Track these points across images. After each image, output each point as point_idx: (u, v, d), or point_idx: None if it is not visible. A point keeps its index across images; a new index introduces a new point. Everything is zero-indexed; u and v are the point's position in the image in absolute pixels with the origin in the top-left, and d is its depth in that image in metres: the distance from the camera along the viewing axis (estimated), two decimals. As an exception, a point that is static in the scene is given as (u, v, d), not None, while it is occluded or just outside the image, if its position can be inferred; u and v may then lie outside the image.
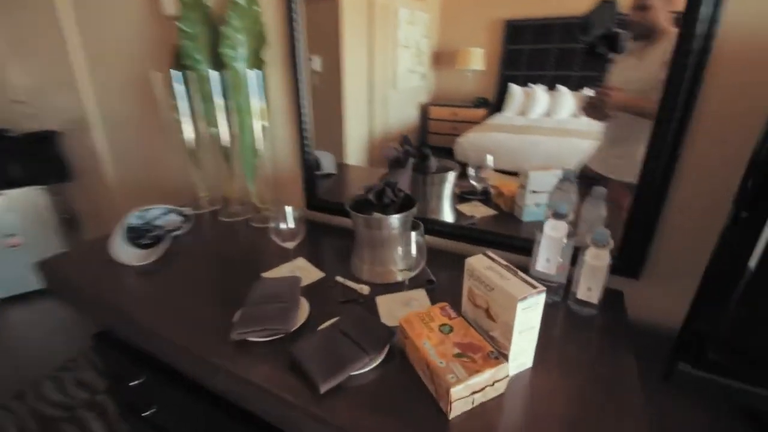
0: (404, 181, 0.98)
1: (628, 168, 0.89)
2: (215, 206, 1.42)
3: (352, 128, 1.31)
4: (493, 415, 0.63)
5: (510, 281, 0.67)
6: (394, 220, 0.91)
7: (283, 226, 0.94)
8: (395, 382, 0.69)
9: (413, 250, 0.78)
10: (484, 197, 1.23)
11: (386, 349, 0.73)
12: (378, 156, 1.34)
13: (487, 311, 0.71)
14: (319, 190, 1.32)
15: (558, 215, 0.82)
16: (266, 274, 1.01)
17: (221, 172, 1.38)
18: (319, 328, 0.79)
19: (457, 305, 0.78)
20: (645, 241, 0.89)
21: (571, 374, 0.70)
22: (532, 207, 1.11)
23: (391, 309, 0.87)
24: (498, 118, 1.20)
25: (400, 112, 1.30)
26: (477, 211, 1.23)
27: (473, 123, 1.22)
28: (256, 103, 1.23)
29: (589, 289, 0.81)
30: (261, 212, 1.34)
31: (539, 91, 1.12)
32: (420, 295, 0.91)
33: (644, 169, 0.84)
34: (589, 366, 0.72)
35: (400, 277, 0.97)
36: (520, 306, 0.63)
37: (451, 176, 1.18)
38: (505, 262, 0.72)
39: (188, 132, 1.35)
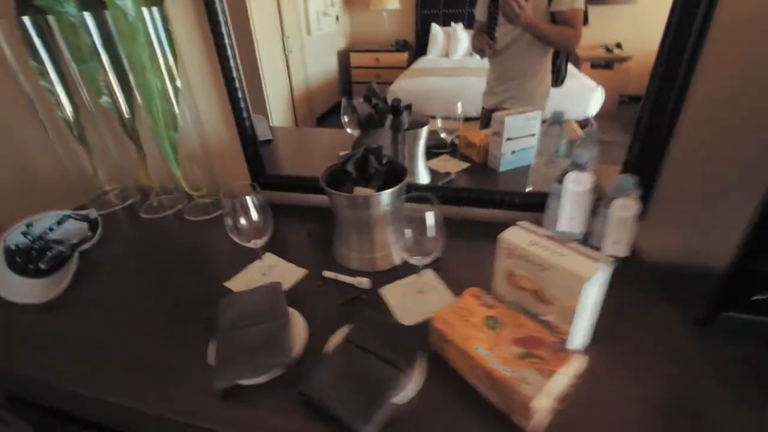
0: (385, 143, 0.80)
1: (518, 100, 0.96)
2: (129, 200, 1.10)
3: (271, 84, 1.11)
4: (570, 412, 0.54)
5: (567, 257, 0.55)
6: (387, 196, 0.73)
7: (243, 221, 0.72)
8: (442, 398, 0.56)
9: (430, 232, 0.62)
10: (452, 149, 1.11)
11: (420, 359, 0.59)
12: (305, 113, 1.21)
13: (536, 293, 0.59)
14: (265, 162, 1.07)
15: (579, 166, 0.71)
16: (230, 284, 0.79)
17: (129, 155, 1.05)
18: (328, 347, 0.62)
19: (470, 282, 0.66)
20: (651, 180, 0.83)
21: (623, 341, 0.63)
22: (509, 156, 1.02)
23: (403, 302, 0.72)
24: (423, 62, 1.13)
25: (319, 62, 1.20)
26: (449, 166, 1.12)
27: (397, 68, 1.14)
28: (159, 56, 0.91)
29: (616, 242, 0.74)
30: (195, 200, 1.07)
31: (459, 30, 1.07)
32: (429, 278, 0.77)
33: (655, 98, 0.75)
34: (637, 327, 0.66)
35: (398, 260, 0.82)
36: (588, 286, 0.53)
37: (424, 131, 1.01)
38: (546, 232, 0.61)
39: (67, 106, 0.99)
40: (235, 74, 0.91)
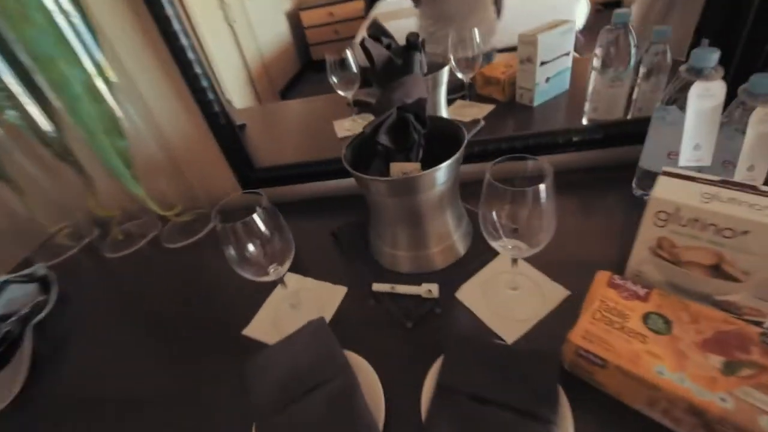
0: (422, 95, 0.57)
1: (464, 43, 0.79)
2: (86, 239, 0.86)
3: (220, 61, 0.92)
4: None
5: (774, 209, 0.36)
6: (444, 171, 0.52)
7: (252, 248, 0.50)
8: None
9: (544, 209, 0.42)
10: (467, 92, 0.90)
11: (562, 398, 0.41)
12: (265, 89, 1.04)
13: (714, 268, 0.40)
14: (252, 154, 0.82)
15: (702, 73, 0.51)
16: (252, 331, 0.58)
17: (68, 182, 0.79)
18: (425, 407, 0.43)
19: (573, 262, 0.52)
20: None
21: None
22: (543, 85, 0.83)
23: (493, 307, 0.53)
24: (384, 6, 1.01)
25: (269, 29, 1.06)
26: (472, 111, 0.92)
27: (356, 19, 1.04)
28: (72, 39, 0.65)
29: (751, 168, 0.55)
30: (172, 221, 0.83)
31: (411, -40, 0.91)
32: (522, 265, 0.57)
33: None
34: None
35: (462, 250, 0.62)
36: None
37: (445, 73, 0.79)
38: (713, 176, 0.41)
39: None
40: (184, 41, 0.65)
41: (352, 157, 0.57)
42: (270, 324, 0.58)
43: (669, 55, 0.69)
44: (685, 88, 0.51)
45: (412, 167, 0.56)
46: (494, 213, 0.45)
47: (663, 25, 0.67)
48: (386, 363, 0.48)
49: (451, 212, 0.59)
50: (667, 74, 0.70)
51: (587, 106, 0.78)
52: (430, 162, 0.56)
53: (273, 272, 0.52)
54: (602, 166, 0.75)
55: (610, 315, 0.41)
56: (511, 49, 0.84)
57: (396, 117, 0.53)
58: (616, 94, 0.74)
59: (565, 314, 0.50)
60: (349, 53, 0.86)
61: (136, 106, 0.72)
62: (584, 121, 0.80)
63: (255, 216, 0.47)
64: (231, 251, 0.49)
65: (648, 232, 0.42)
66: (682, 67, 0.52)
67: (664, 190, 0.40)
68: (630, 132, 0.71)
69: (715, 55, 0.49)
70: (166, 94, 0.74)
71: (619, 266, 0.51)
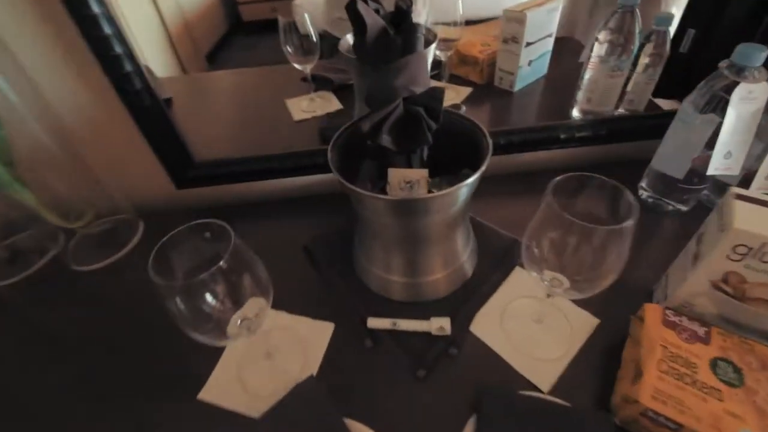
0: (422, 81, 0.45)
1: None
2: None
3: (132, 17, 0.72)
4: None
5: None
6: (467, 188, 0.41)
7: (212, 298, 0.35)
8: None
9: (621, 253, 0.32)
10: (441, 71, 0.81)
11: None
12: (189, 54, 0.84)
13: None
14: (189, 143, 0.64)
15: (745, 73, 0.45)
16: (211, 394, 0.43)
17: None
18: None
19: None
20: None
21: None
22: (526, 68, 0.77)
23: (521, 344, 0.44)
24: None
25: None
26: (448, 95, 0.79)
27: None
28: None
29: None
30: (81, 233, 0.63)
31: None
32: (527, 284, 0.50)
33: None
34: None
35: (470, 271, 0.52)
36: None
37: (432, 52, 0.68)
38: (789, 201, 0.35)
39: None
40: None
41: (340, 160, 0.43)
42: (235, 382, 0.44)
43: (669, 45, 0.64)
44: (724, 89, 0.46)
45: (417, 175, 0.44)
46: (536, 243, 0.36)
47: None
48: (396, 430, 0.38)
49: (462, 230, 0.48)
50: (663, 65, 0.66)
51: (580, 96, 0.72)
52: (431, 165, 0.46)
53: (244, 328, 0.38)
54: (597, 164, 0.69)
55: (677, 365, 0.35)
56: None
57: (403, 111, 0.41)
58: (614, 84, 0.68)
59: (598, 349, 0.43)
60: (307, 16, 0.70)
61: (15, 81, 0.51)
62: (575, 112, 0.73)
63: (222, 263, 0.32)
64: (179, 305, 0.34)
65: (716, 266, 0.36)
66: (723, 63, 0.46)
67: (747, 220, 0.34)
68: (627, 128, 0.66)
69: (762, 54, 0.43)
70: (60, 63, 0.53)
71: (632, 281, 0.47)
